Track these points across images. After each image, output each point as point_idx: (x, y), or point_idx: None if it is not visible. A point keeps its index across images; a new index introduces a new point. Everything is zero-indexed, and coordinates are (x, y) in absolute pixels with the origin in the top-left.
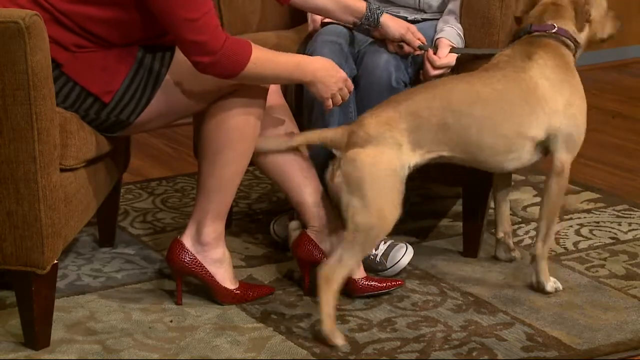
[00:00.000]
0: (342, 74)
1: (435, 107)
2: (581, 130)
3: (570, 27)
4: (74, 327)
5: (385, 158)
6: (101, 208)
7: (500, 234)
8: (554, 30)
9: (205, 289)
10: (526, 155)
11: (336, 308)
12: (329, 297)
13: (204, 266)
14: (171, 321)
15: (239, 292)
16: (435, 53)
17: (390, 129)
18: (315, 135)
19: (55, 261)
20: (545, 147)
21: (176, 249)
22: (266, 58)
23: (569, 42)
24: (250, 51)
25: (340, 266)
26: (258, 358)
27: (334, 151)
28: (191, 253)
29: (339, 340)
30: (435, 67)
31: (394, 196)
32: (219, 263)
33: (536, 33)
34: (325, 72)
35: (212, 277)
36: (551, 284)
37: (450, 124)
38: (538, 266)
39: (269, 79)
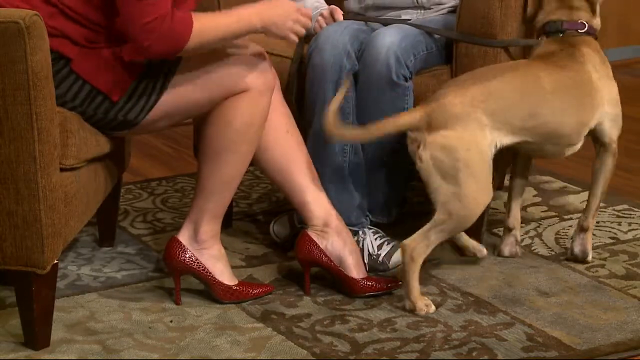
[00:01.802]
0: (289, 4)
1: (527, 92)
2: (620, 110)
3: (589, 19)
4: (74, 327)
5: (477, 142)
6: (101, 208)
7: (512, 222)
8: (585, 30)
9: (204, 288)
10: (581, 142)
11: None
12: (414, 272)
13: (201, 263)
14: (171, 321)
15: (237, 288)
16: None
17: (475, 110)
18: (391, 124)
19: (55, 261)
20: (593, 132)
21: (173, 247)
22: (206, 26)
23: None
24: (191, 26)
25: (426, 245)
26: (258, 358)
27: (411, 133)
28: (188, 251)
29: (431, 307)
30: None
31: (487, 181)
32: (216, 260)
33: (568, 32)
34: (270, 11)
35: (210, 273)
36: (592, 253)
37: (540, 111)
38: (586, 237)
39: (215, 43)
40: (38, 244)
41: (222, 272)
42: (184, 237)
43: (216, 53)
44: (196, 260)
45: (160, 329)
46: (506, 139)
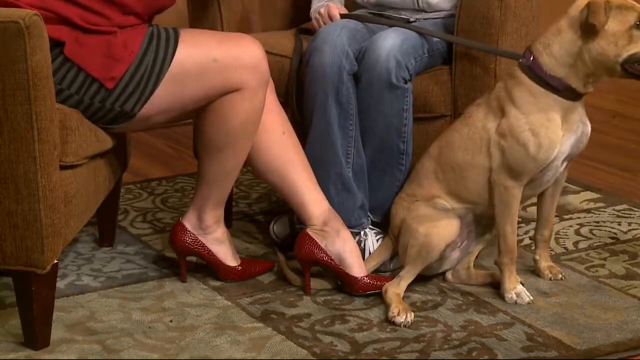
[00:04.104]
0: None
1: (442, 163)
2: (511, 142)
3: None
4: (74, 327)
5: (423, 209)
6: (101, 208)
7: (537, 256)
8: (528, 64)
9: (209, 270)
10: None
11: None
12: (389, 298)
13: (205, 246)
14: (171, 321)
15: (240, 268)
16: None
17: (415, 199)
18: (379, 257)
19: (55, 261)
20: None
21: (178, 231)
22: None
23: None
24: None
25: (401, 283)
26: (258, 358)
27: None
28: (193, 234)
29: (402, 317)
30: None
31: (438, 230)
32: (219, 242)
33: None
34: None
35: (214, 255)
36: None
37: (454, 175)
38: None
39: None
40: (38, 243)
41: (225, 254)
42: (189, 222)
43: (211, 47)
44: (200, 243)
45: (160, 329)
46: (461, 207)
